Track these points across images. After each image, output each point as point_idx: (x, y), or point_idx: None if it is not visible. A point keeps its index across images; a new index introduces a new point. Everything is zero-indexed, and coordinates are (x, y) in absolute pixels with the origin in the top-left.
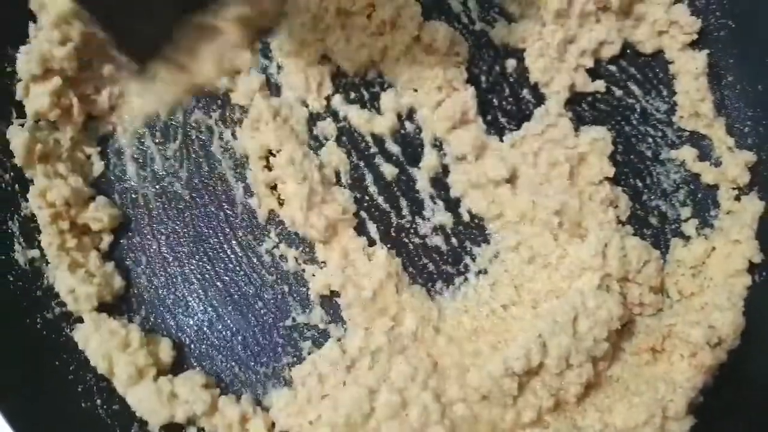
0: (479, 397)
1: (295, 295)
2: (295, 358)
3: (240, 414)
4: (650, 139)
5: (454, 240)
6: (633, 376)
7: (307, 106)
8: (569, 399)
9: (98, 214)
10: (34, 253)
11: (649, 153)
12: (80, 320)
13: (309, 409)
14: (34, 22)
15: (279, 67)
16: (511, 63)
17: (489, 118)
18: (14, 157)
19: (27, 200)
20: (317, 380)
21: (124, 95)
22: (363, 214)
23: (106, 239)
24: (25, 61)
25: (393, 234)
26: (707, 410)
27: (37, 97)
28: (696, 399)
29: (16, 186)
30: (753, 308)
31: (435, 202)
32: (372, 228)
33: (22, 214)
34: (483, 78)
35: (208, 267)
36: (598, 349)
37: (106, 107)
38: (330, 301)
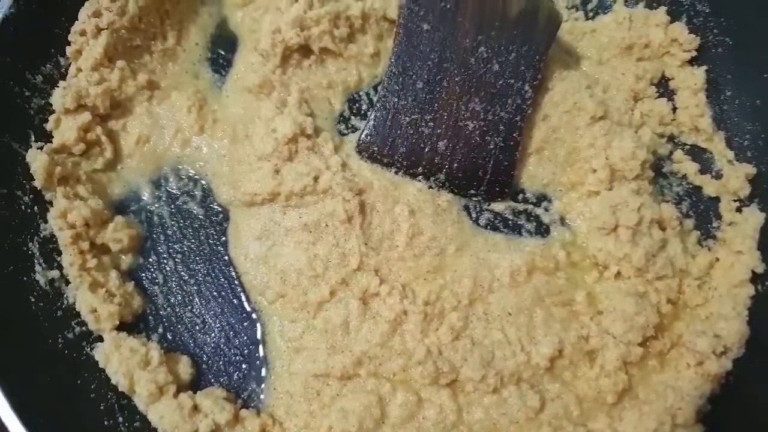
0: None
1: None
2: None
3: (260, 426)
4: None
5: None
6: (642, 385)
7: None
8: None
9: (117, 234)
10: (54, 273)
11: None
12: (100, 339)
13: (316, 422)
14: (62, 55)
15: None
16: None
17: None
18: (33, 179)
19: (46, 221)
20: (303, 389)
21: (150, 140)
22: None
23: (126, 259)
24: (61, 95)
25: None
26: (715, 418)
27: (65, 130)
28: (704, 407)
29: (36, 208)
30: (757, 317)
31: None
32: None
33: (41, 235)
34: None
35: (224, 284)
36: (632, 354)
37: (132, 147)
38: None
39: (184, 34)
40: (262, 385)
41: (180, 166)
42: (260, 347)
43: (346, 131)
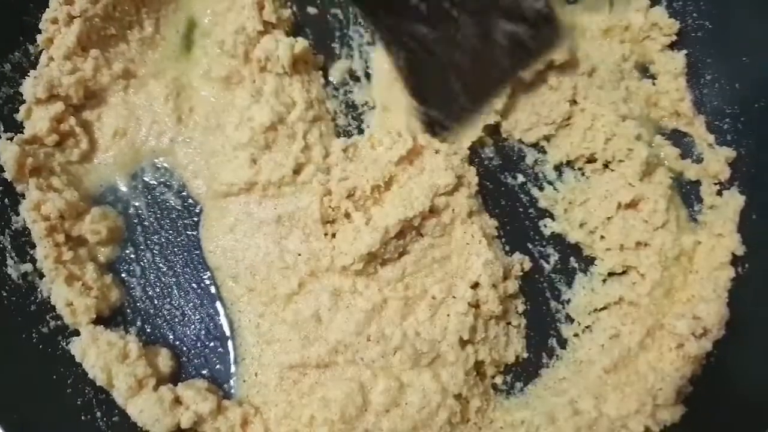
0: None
1: None
2: None
3: (242, 416)
4: None
5: None
6: (624, 367)
7: None
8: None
9: (95, 225)
10: (27, 267)
11: None
12: (76, 333)
13: (296, 412)
14: (31, 42)
15: None
16: None
17: None
18: (3, 171)
19: (18, 214)
20: (278, 380)
21: (127, 132)
22: None
23: (103, 251)
24: (32, 84)
25: None
26: (696, 399)
27: (37, 121)
28: (685, 388)
29: (6, 200)
30: (736, 299)
31: None
32: None
33: (13, 228)
34: None
35: (203, 275)
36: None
37: (109, 140)
38: None
39: (163, 21)
40: (238, 377)
41: (156, 158)
42: (229, 341)
43: None
